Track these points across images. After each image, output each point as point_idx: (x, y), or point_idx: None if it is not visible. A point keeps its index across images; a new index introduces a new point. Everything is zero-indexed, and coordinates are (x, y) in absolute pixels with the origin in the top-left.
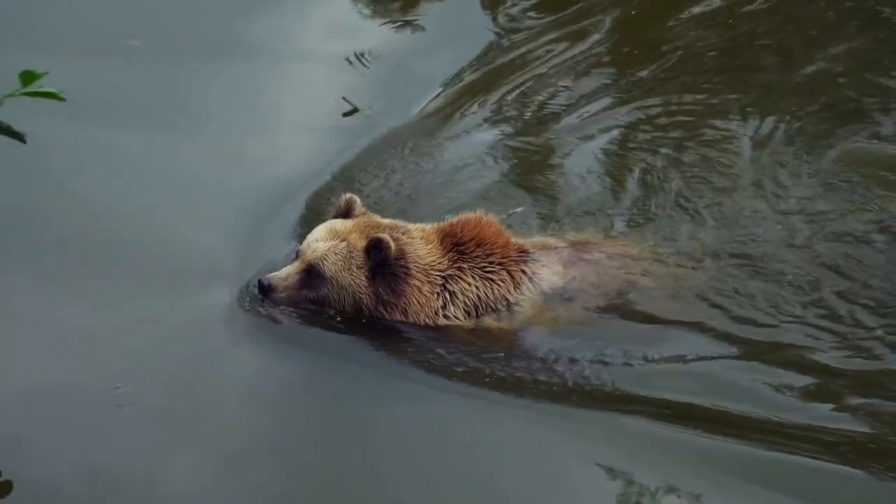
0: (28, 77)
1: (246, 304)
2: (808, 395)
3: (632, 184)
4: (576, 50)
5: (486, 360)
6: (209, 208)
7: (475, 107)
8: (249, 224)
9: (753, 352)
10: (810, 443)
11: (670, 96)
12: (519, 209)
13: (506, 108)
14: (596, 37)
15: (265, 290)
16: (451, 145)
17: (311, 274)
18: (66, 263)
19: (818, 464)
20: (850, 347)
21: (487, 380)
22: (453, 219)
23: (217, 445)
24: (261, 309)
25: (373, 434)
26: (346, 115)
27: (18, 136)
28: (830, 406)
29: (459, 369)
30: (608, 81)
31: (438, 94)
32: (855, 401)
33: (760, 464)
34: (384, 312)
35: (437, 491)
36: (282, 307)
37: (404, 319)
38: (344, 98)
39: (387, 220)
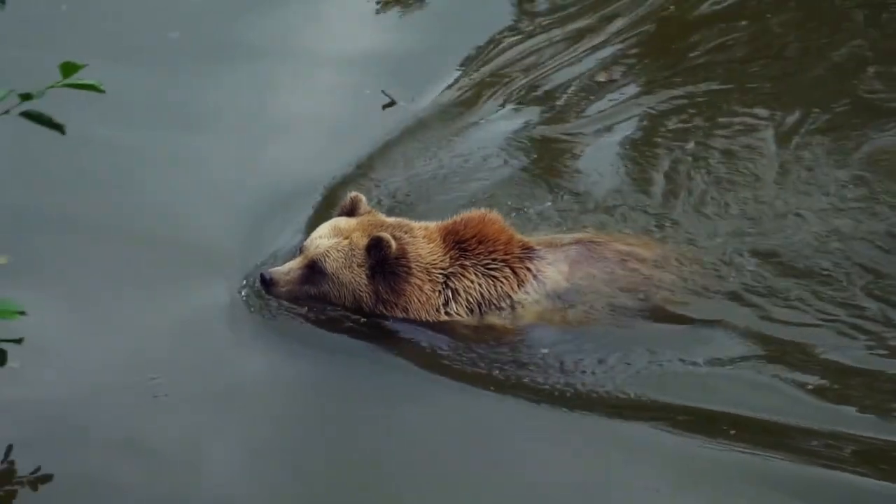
0: (69, 68)
1: (244, 297)
2: (836, 398)
3: (655, 179)
4: (602, 37)
5: (496, 360)
6: (225, 204)
7: (496, 98)
8: (266, 220)
9: (777, 353)
10: (839, 450)
11: (698, 86)
12: (548, 203)
13: (529, 97)
14: (623, 23)
15: (266, 283)
16: (471, 138)
17: (313, 270)
18: (86, 259)
19: (846, 476)
20: (883, 348)
21: (495, 379)
22: (457, 216)
23: (245, 435)
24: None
25: (383, 431)
26: (385, 107)
27: (58, 128)
28: (855, 409)
29: (470, 368)
30: (635, 71)
31: (458, 86)
32: (888, 405)
33: (788, 475)
34: (384, 310)
35: (446, 488)
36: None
37: (405, 317)
38: (383, 91)
39: (391, 219)
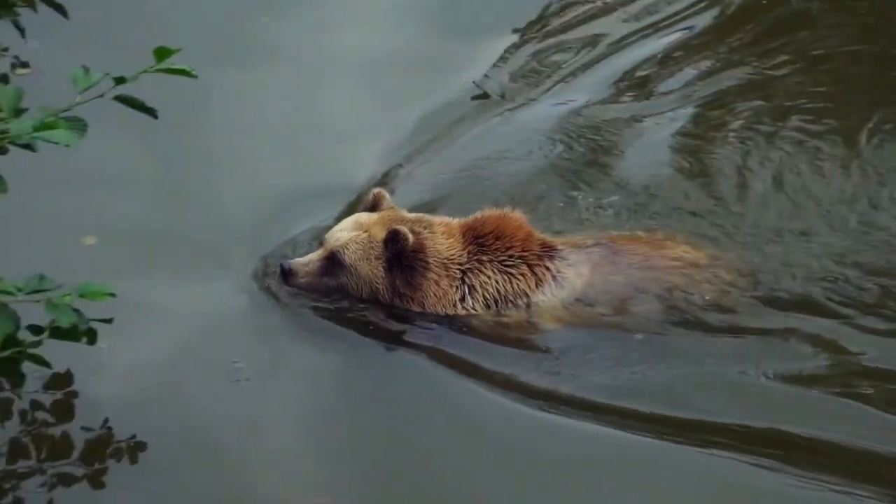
0: (162, 53)
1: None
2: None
3: (715, 176)
4: (666, 16)
5: (511, 357)
6: (265, 199)
7: (549, 85)
8: (310, 216)
9: (809, 372)
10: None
11: (767, 74)
12: (614, 198)
13: (581, 85)
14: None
15: (286, 274)
16: (523, 126)
17: (333, 262)
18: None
19: None
20: None
21: (505, 376)
22: (478, 213)
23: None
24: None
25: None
26: (475, 98)
27: (150, 112)
28: None
29: (485, 365)
30: (696, 58)
31: (516, 68)
32: None
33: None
34: (400, 303)
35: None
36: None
37: (421, 310)
38: (474, 83)
39: (411, 214)
